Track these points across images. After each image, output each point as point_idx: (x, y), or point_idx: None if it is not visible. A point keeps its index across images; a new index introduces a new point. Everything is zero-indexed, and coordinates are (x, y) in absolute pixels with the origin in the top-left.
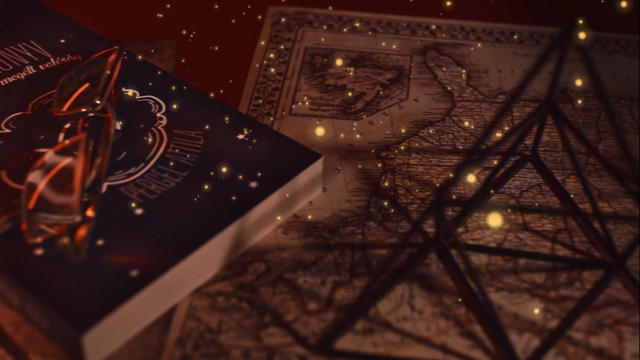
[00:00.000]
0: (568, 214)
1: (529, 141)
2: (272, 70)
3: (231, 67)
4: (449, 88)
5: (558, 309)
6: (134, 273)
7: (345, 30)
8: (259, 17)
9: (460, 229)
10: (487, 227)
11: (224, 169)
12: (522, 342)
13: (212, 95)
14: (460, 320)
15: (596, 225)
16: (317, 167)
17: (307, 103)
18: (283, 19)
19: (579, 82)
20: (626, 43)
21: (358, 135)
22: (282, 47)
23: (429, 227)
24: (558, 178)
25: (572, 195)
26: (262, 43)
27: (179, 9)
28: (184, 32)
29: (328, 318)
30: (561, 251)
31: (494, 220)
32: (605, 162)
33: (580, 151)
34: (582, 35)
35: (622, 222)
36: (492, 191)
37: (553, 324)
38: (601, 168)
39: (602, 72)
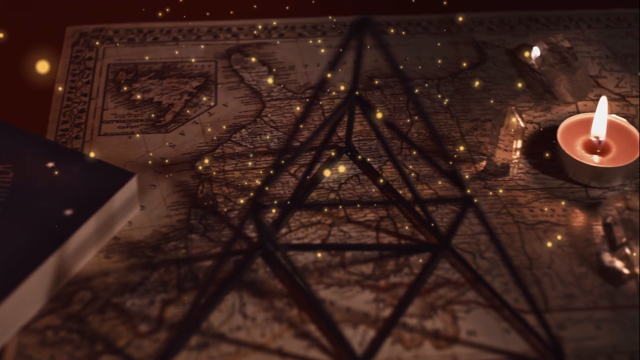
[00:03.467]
0: (389, 201)
1: (342, 133)
2: (76, 91)
3: (34, 94)
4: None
5: (390, 297)
6: None
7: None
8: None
9: (284, 230)
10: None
11: (37, 200)
12: (358, 335)
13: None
14: (294, 322)
15: (417, 208)
16: (131, 186)
17: (115, 121)
18: (82, 38)
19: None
20: (428, 23)
21: (170, 148)
22: (83, 67)
23: (252, 233)
24: (375, 166)
25: (390, 182)
26: (63, 65)
27: None
28: None
29: (161, 338)
30: (386, 239)
31: None
32: (415, 146)
33: (395, 137)
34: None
35: (442, 203)
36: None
37: (386, 313)
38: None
39: (407, 54)
